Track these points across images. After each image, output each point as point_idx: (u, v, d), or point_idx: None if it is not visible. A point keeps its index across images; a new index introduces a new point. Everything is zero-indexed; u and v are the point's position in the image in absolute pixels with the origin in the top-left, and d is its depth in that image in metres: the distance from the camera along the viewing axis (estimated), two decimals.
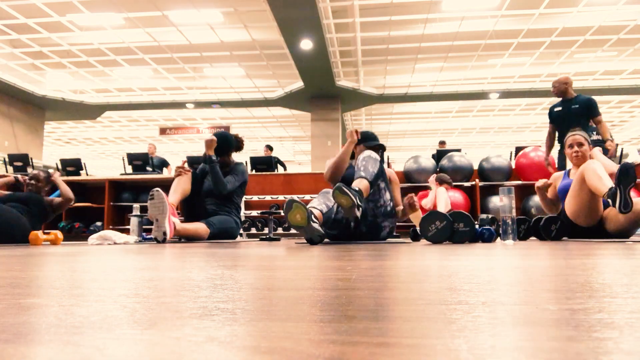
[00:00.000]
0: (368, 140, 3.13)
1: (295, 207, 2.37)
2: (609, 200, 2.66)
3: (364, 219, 2.80)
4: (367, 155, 2.71)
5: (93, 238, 3.08)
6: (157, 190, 3.04)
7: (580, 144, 3.22)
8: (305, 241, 2.58)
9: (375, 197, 2.79)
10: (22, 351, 0.29)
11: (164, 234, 2.95)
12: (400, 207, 3.08)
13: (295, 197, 3.06)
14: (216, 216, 3.52)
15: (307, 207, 2.42)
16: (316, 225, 2.43)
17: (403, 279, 0.70)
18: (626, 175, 2.57)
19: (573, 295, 0.50)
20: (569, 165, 4.09)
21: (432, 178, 5.24)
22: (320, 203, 2.66)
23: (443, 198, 4.84)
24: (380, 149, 3.13)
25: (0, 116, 12.27)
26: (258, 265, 1.02)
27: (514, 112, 15.95)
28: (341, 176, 2.97)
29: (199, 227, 3.30)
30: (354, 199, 2.35)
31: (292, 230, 6.62)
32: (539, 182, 3.35)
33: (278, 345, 0.29)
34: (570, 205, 3.06)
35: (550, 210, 3.40)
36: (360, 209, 2.43)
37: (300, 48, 9.69)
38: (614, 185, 2.64)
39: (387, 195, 2.87)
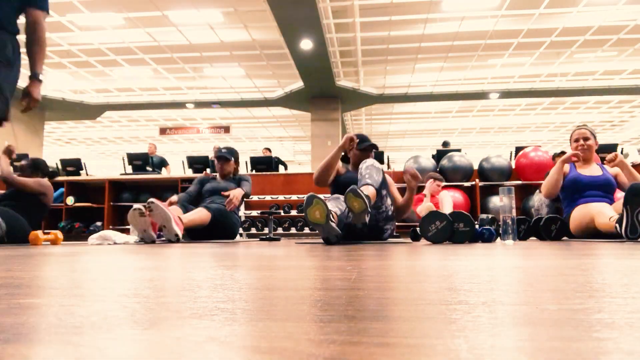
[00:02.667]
0: (361, 142, 3.12)
1: (316, 203, 2.29)
2: (617, 226, 2.38)
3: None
4: (371, 163, 2.67)
5: (93, 238, 3.08)
6: (153, 202, 3.08)
7: (586, 138, 3.13)
8: (307, 241, 2.57)
9: (377, 204, 2.76)
10: (22, 351, 0.29)
11: (176, 235, 3.15)
12: (400, 201, 3.05)
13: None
14: (214, 204, 3.69)
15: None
16: (334, 225, 2.37)
17: (403, 279, 0.70)
18: (635, 196, 2.27)
19: (573, 295, 0.50)
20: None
21: (429, 184, 4.65)
22: (333, 206, 2.58)
23: (448, 202, 4.53)
24: (372, 148, 3.12)
25: None
26: (258, 265, 1.02)
27: (514, 112, 15.95)
28: (329, 179, 2.95)
29: (201, 213, 3.51)
30: (367, 204, 2.31)
31: (292, 230, 6.61)
32: (566, 155, 3.04)
33: (278, 345, 0.29)
34: (574, 224, 3.00)
35: (552, 188, 3.10)
36: (369, 214, 2.41)
37: (300, 48, 9.69)
38: (620, 213, 2.38)
39: (389, 201, 2.86)
